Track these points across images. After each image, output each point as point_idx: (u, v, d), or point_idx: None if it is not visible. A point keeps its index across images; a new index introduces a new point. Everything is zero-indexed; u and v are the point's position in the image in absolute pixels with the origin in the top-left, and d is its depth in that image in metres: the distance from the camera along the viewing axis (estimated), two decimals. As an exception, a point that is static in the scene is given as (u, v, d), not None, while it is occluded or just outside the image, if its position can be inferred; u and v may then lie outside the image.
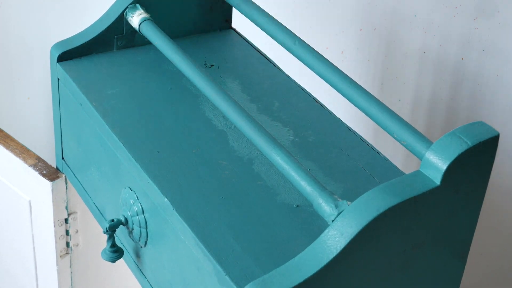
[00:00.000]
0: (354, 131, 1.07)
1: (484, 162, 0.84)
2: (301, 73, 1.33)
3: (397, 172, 1.00)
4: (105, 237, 1.06)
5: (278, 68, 1.20)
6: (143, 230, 0.99)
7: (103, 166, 1.08)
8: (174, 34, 1.19)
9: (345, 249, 0.77)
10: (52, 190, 1.23)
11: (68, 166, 1.22)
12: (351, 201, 0.81)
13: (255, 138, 0.92)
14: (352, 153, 1.03)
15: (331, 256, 0.77)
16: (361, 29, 1.66)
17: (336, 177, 0.98)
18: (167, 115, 1.07)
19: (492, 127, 0.83)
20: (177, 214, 0.90)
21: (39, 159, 1.27)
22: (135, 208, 1.00)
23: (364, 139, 1.06)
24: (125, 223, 1.02)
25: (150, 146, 1.01)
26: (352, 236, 0.77)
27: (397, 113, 0.95)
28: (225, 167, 0.98)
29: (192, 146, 1.01)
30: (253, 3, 1.13)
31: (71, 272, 1.34)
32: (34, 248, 1.34)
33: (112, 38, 1.17)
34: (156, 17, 1.15)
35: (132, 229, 1.02)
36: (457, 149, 0.80)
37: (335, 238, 0.77)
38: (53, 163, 1.28)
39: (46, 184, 1.23)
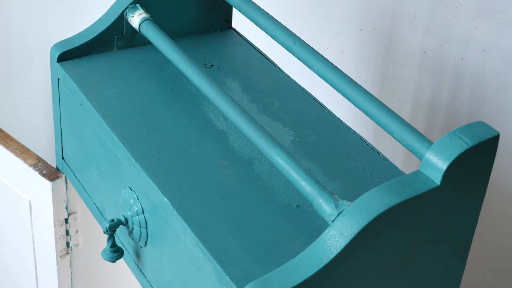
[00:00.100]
0: (354, 131, 1.07)
1: (484, 162, 0.84)
2: (301, 73, 1.33)
3: (397, 172, 1.00)
4: (105, 237, 1.07)
5: (278, 68, 1.20)
6: (143, 230, 0.99)
7: (103, 166, 1.08)
8: (174, 34, 1.19)
9: (345, 249, 0.77)
10: (52, 190, 1.23)
11: (68, 166, 1.22)
12: (351, 201, 0.81)
13: (255, 138, 0.92)
14: (352, 153, 1.03)
15: (331, 256, 0.77)
16: (361, 29, 1.66)
17: (336, 177, 0.98)
18: (167, 115, 1.07)
19: (492, 127, 0.83)
20: (177, 214, 0.90)
21: (39, 159, 1.27)
22: (135, 208, 1.00)
23: (364, 139, 1.06)
24: (125, 223, 1.02)
25: (150, 146, 1.01)
26: (352, 236, 0.77)
27: (397, 113, 0.96)
28: (225, 167, 0.98)
29: (192, 146, 1.01)
30: (253, 3, 1.13)
31: (71, 272, 1.34)
32: (34, 248, 1.34)
33: (112, 38, 1.17)
34: (156, 17, 1.16)
35: (132, 229, 1.02)
36: (457, 149, 0.80)
37: (335, 238, 0.77)
38: (53, 163, 1.28)
39: (46, 184, 1.23)
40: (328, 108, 1.12)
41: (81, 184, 1.18)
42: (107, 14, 1.16)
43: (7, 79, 1.84)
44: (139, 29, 1.14)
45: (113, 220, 1.02)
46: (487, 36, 1.54)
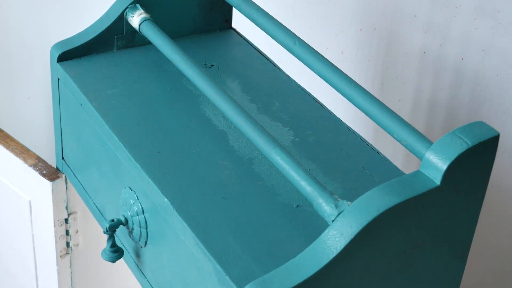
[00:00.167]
0: (354, 131, 1.07)
1: (484, 162, 0.84)
2: (301, 73, 1.33)
3: (397, 172, 1.00)
4: (105, 237, 1.07)
5: (278, 68, 1.20)
6: (143, 230, 0.99)
7: (103, 166, 1.08)
8: (174, 34, 1.19)
9: (345, 249, 0.77)
10: (52, 190, 1.23)
11: (68, 166, 1.22)
12: (351, 201, 0.81)
13: (255, 138, 0.92)
14: (352, 153, 1.03)
15: (331, 256, 0.77)
16: (361, 29, 1.66)
17: (336, 177, 0.98)
18: (167, 115, 1.07)
19: (492, 127, 0.83)
20: (177, 214, 0.90)
21: (39, 159, 1.27)
22: (135, 208, 1.00)
23: (364, 139, 1.06)
24: (125, 223, 1.02)
25: (150, 146, 1.01)
26: (352, 236, 0.77)
27: (397, 113, 0.96)
28: (225, 167, 0.98)
29: (192, 146, 1.01)
30: (253, 3, 1.13)
31: (71, 272, 1.34)
32: (34, 248, 1.34)
33: (112, 38, 1.17)
34: (156, 17, 1.16)
35: (132, 229, 1.02)
36: (457, 149, 0.80)
37: (335, 238, 0.77)
38: (53, 163, 1.28)
39: (46, 184, 1.23)
40: (328, 108, 1.12)
41: (81, 184, 1.18)
42: (107, 14, 1.16)
43: (7, 79, 1.84)
44: (139, 29, 1.14)
45: (113, 220, 1.02)
46: (487, 36, 1.54)
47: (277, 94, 1.13)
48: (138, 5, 1.15)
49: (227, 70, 1.18)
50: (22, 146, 1.31)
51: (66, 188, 1.25)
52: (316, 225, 0.90)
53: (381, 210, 0.77)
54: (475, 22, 1.53)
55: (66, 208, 1.27)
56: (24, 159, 1.27)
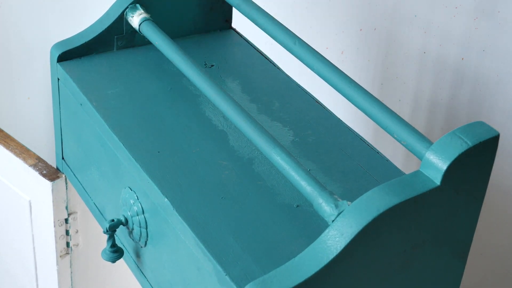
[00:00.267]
0: (354, 131, 1.07)
1: (484, 162, 0.84)
2: (301, 73, 1.33)
3: (397, 172, 1.00)
4: (105, 237, 1.07)
5: (278, 68, 1.20)
6: (143, 230, 0.99)
7: (103, 166, 1.08)
8: (174, 34, 1.19)
9: (345, 249, 0.77)
10: (52, 190, 1.23)
11: (68, 166, 1.22)
12: (351, 201, 0.81)
13: (255, 138, 0.92)
14: (352, 153, 1.03)
15: (331, 256, 0.77)
16: (361, 29, 1.66)
17: (336, 177, 0.98)
18: (167, 115, 1.07)
19: (492, 127, 0.83)
20: (177, 214, 0.90)
21: (39, 159, 1.27)
22: (135, 208, 1.00)
23: (364, 139, 1.06)
24: (125, 223, 1.02)
25: (150, 146, 1.01)
26: (352, 236, 0.77)
27: (397, 113, 0.95)
28: (225, 167, 0.98)
29: (192, 146, 1.01)
30: (253, 3, 1.13)
31: (71, 272, 1.34)
32: (34, 248, 1.34)
33: (112, 38, 1.17)
34: (156, 17, 1.16)
35: (132, 229, 1.02)
36: (457, 149, 0.80)
37: (335, 238, 0.77)
38: (53, 163, 1.28)
39: (46, 184, 1.23)
40: (328, 108, 1.12)
41: (81, 184, 1.18)
42: (107, 14, 1.16)
43: (7, 79, 1.84)
44: (139, 29, 1.14)
45: (113, 220, 1.02)
46: (487, 36, 1.54)
47: (277, 94, 1.13)
48: (138, 5, 1.15)
49: (227, 70, 1.18)
50: (22, 146, 1.31)
51: (66, 188, 1.25)
52: (316, 225, 0.90)
53: (381, 210, 0.77)
54: (475, 22, 1.53)
55: (66, 208, 1.27)
56: (24, 159, 1.27)
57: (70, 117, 1.16)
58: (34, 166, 1.26)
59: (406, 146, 0.88)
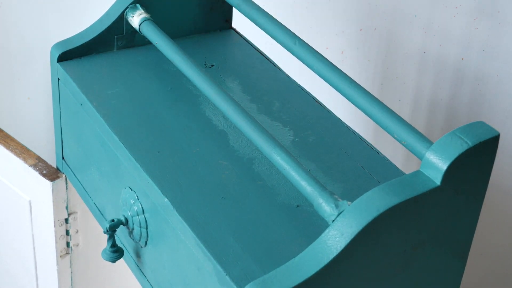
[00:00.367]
0: (354, 131, 1.07)
1: (484, 162, 0.84)
2: (301, 73, 1.33)
3: (397, 172, 1.00)
4: (105, 237, 1.06)
5: (278, 68, 1.20)
6: (143, 230, 0.99)
7: (103, 166, 1.08)
8: (174, 34, 1.19)
9: (345, 249, 0.77)
10: (52, 190, 1.23)
11: (68, 166, 1.22)
12: (351, 201, 0.81)
13: (255, 138, 0.92)
14: (352, 153, 1.03)
15: (331, 256, 0.77)
16: (361, 29, 1.66)
17: (336, 177, 0.98)
18: (167, 115, 1.07)
19: (492, 127, 0.83)
20: (177, 214, 0.90)
21: (39, 159, 1.27)
22: (135, 208, 1.00)
23: (364, 139, 1.06)
24: (125, 223, 1.02)
25: (150, 146, 1.01)
26: (352, 236, 0.77)
27: (397, 113, 0.95)
28: (225, 167, 0.98)
29: (192, 146, 1.01)
30: (253, 3, 1.13)
31: (71, 272, 1.34)
32: (34, 248, 1.34)
33: (112, 38, 1.17)
34: (156, 17, 1.16)
35: (132, 229, 1.02)
36: (457, 149, 0.80)
37: (335, 238, 0.77)
38: (53, 163, 1.28)
39: (46, 184, 1.23)
40: (328, 108, 1.12)
41: (81, 184, 1.18)
42: (107, 14, 1.16)
43: (7, 79, 1.84)
44: (139, 29, 1.14)
45: (113, 220, 1.02)
46: (487, 36, 1.54)
47: (277, 94, 1.13)
48: (138, 5, 1.15)
49: (227, 70, 1.18)
50: (22, 146, 1.31)
51: (66, 188, 1.25)
52: (316, 225, 0.90)
53: (381, 210, 0.77)
54: (475, 22, 1.54)
55: (66, 208, 1.27)
56: (24, 159, 1.27)
57: (70, 117, 1.16)
58: (34, 166, 1.26)
59: (406, 146, 0.88)
